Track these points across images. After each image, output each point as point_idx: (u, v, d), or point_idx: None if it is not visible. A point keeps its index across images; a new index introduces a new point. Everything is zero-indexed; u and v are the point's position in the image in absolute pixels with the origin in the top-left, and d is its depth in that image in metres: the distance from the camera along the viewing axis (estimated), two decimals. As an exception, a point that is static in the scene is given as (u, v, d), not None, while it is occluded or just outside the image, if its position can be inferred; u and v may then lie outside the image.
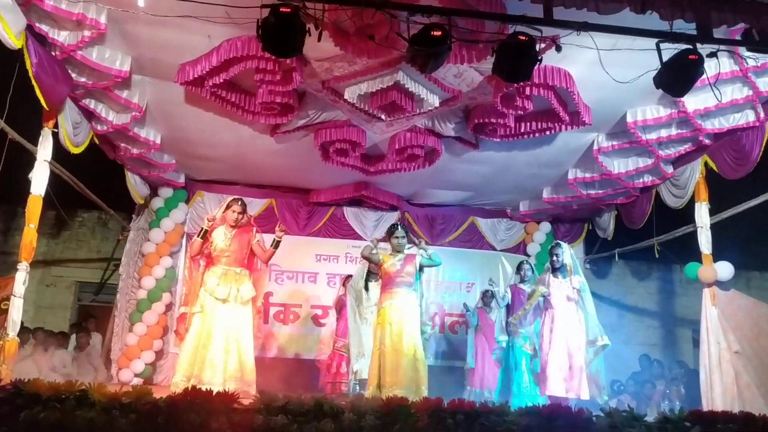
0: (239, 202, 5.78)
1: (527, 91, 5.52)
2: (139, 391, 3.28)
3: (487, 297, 7.67)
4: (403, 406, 3.32)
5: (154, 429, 3.18)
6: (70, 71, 5.46)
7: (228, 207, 5.71)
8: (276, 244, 5.70)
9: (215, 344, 5.30)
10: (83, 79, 5.57)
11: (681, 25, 4.17)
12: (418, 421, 3.27)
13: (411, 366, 5.32)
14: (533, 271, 7.26)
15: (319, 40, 3.87)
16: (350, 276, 7.30)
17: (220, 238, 5.63)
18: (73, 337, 8.17)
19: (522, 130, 6.31)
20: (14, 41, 4.61)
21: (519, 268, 7.35)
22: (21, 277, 5.41)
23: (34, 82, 4.91)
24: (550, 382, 5.76)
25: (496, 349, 7.34)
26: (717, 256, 6.27)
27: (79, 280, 9.85)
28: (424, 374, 5.39)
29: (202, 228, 5.68)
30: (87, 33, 4.99)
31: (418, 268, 5.72)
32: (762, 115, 5.63)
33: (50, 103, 5.28)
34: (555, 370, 5.76)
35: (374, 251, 5.79)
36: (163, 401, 3.23)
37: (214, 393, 3.24)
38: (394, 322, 5.45)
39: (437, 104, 5.81)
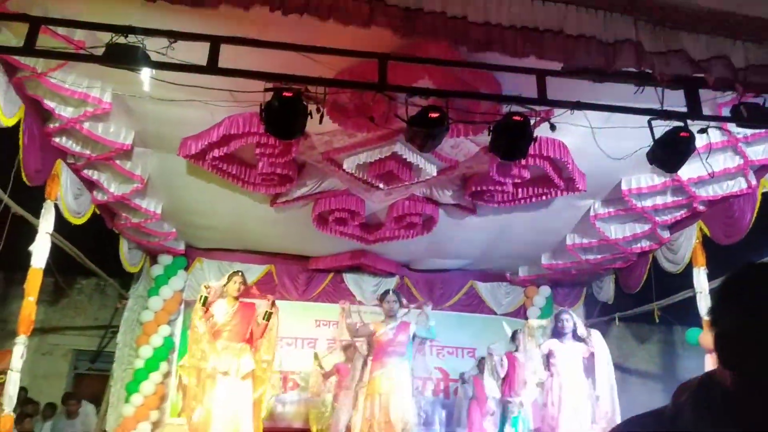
0: (239, 274, 5.80)
1: (523, 161, 5.61)
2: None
3: (483, 364, 7.61)
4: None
5: None
6: (73, 144, 5.56)
7: (229, 279, 5.72)
8: (267, 317, 5.69)
9: (215, 420, 5.23)
10: (87, 152, 5.66)
11: (672, 101, 4.29)
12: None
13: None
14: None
15: (320, 122, 3.97)
16: (351, 345, 7.26)
17: (222, 312, 5.61)
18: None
19: (519, 195, 6.39)
20: (4, 120, 4.62)
21: (514, 337, 7.28)
22: (18, 351, 5.38)
23: (21, 164, 4.98)
24: None
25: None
26: (718, 320, 6.24)
27: (75, 347, 9.77)
28: None
29: (201, 295, 5.68)
30: (91, 109, 5.10)
31: (411, 338, 5.67)
32: (753, 182, 5.72)
33: (32, 180, 5.29)
34: None
35: (357, 326, 5.72)
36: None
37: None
38: (383, 392, 5.37)
39: (435, 174, 5.89)
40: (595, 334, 6.11)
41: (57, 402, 8.27)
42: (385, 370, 5.44)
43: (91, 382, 9.47)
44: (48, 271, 5.95)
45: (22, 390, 6.46)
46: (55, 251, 6.25)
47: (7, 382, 5.32)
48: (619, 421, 5.92)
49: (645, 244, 7.08)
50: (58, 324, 9.65)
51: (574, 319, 6.15)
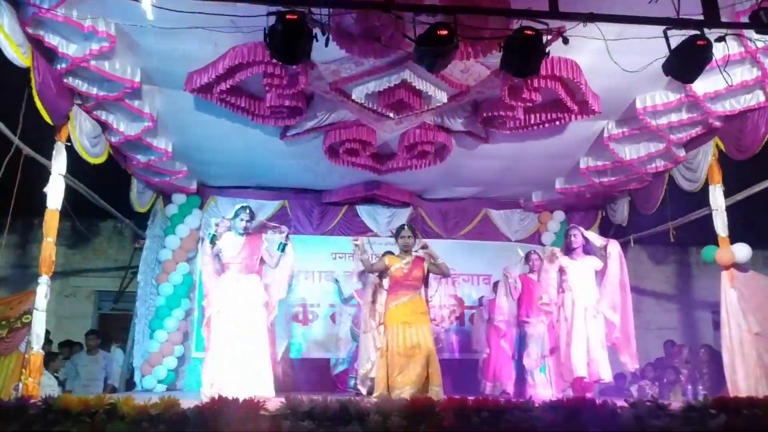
0: (247, 210, 5.77)
1: (535, 83, 5.51)
2: (167, 402, 3.31)
3: (498, 288, 7.70)
4: (428, 405, 3.34)
5: (184, 439, 3.23)
6: (81, 84, 5.55)
7: (236, 215, 5.72)
8: (282, 247, 5.72)
9: (231, 350, 5.34)
10: (95, 91, 5.65)
11: (688, 9, 4.15)
12: (444, 420, 3.28)
13: (422, 365, 5.24)
14: (542, 261, 7.25)
15: (326, 45, 3.89)
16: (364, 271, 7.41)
17: (230, 245, 5.65)
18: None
19: (531, 121, 6.30)
20: (23, 60, 4.78)
21: (527, 258, 7.31)
22: (42, 291, 5.50)
23: (37, 100, 5.02)
24: (573, 365, 5.76)
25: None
26: (733, 237, 6.23)
27: (97, 289, 9.97)
28: (438, 373, 5.28)
29: (210, 233, 5.72)
30: (96, 46, 5.06)
31: (426, 273, 5.68)
32: (771, 94, 5.59)
33: (54, 118, 5.39)
34: (577, 353, 5.75)
35: (372, 260, 5.72)
36: (190, 411, 3.27)
37: (241, 401, 3.28)
38: (401, 322, 5.40)
39: (445, 100, 5.82)
40: (612, 244, 6.09)
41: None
42: (400, 302, 5.49)
43: (115, 321, 9.73)
44: (65, 215, 6.04)
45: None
46: (71, 195, 6.32)
47: (33, 321, 5.46)
48: (633, 332, 6.00)
49: (660, 164, 6.98)
50: (79, 267, 9.82)
51: (582, 233, 6.13)
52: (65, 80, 5.44)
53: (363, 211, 8.94)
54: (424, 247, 5.64)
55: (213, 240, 5.63)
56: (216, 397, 3.30)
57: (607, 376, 5.73)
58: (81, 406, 3.22)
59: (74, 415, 3.19)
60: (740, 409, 3.54)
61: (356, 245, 5.65)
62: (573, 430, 3.30)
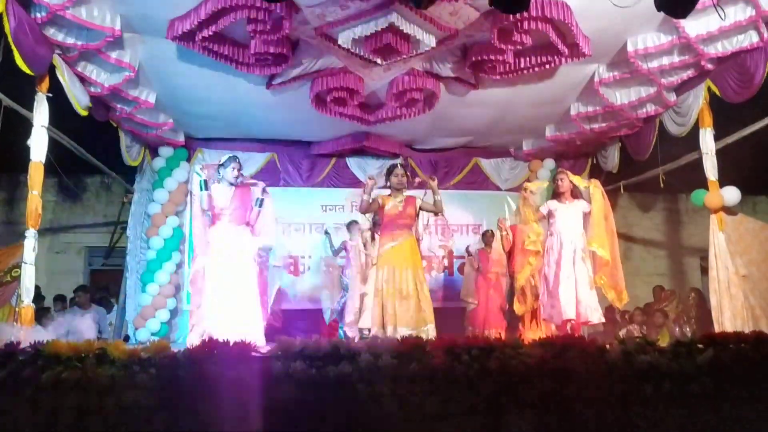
0: (236, 160, 5.72)
1: (524, 25, 5.40)
2: (158, 346, 3.33)
3: (488, 237, 7.73)
4: (419, 344, 3.37)
5: (175, 382, 3.24)
6: (59, 33, 5.40)
7: (225, 165, 5.64)
8: (259, 203, 5.68)
9: (222, 300, 5.35)
10: (73, 40, 5.50)
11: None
12: (434, 359, 3.32)
13: (415, 306, 5.33)
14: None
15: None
16: (354, 221, 7.41)
17: (220, 195, 5.60)
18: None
19: (521, 65, 6.18)
20: None
21: (519, 210, 7.30)
22: (30, 244, 5.45)
23: (13, 47, 4.85)
24: (562, 307, 5.80)
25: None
26: (722, 182, 6.25)
27: (88, 245, 9.92)
28: (430, 313, 5.40)
29: (201, 179, 5.65)
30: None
31: (418, 211, 5.71)
32: (766, 35, 5.50)
33: (32, 66, 5.19)
34: (565, 295, 5.79)
35: (370, 199, 5.68)
36: (181, 354, 3.29)
37: (232, 343, 3.29)
38: (396, 263, 5.45)
39: (434, 44, 5.69)
40: (594, 185, 6.09)
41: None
42: (396, 243, 5.52)
43: (106, 277, 9.71)
44: (52, 171, 5.96)
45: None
46: (57, 150, 6.22)
47: (22, 274, 5.43)
48: (620, 267, 6.03)
49: (650, 109, 6.93)
50: (68, 223, 9.76)
51: (569, 177, 6.12)
52: (45, 31, 5.27)
53: (352, 162, 8.89)
54: (432, 179, 5.77)
55: (205, 186, 5.57)
56: (207, 339, 3.31)
57: (595, 317, 5.78)
58: (70, 352, 3.23)
59: (64, 360, 3.20)
60: (727, 343, 3.59)
61: (370, 181, 5.63)
62: (562, 366, 3.35)
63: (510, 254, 7.31)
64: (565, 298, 5.78)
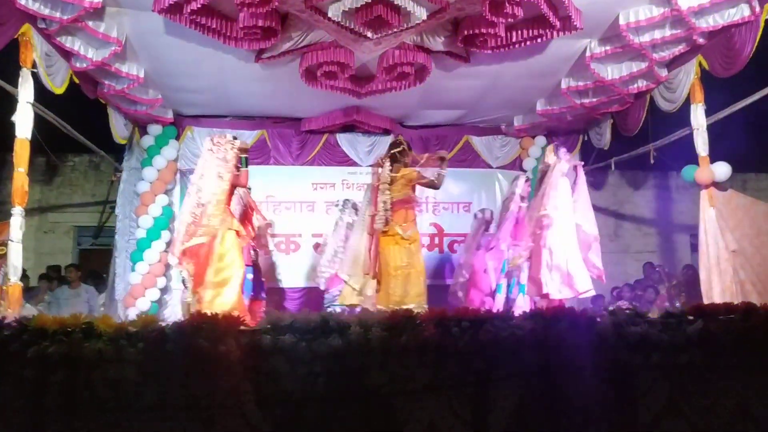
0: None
1: (517, -4, 5.35)
2: (145, 320, 3.30)
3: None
4: (409, 317, 3.35)
5: (163, 356, 3.21)
6: (37, 5, 5.27)
7: (232, 146, 5.45)
8: (245, 162, 5.45)
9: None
10: (49, 11, 5.36)
11: None
12: (425, 331, 3.31)
13: (419, 282, 5.50)
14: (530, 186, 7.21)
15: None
16: (347, 200, 7.38)
17: None
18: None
19: (513, 39, 6.12)
20: None
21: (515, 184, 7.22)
22: (17, 222, 5.40)
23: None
24: (551, 286, 5.83)
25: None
26: (713, 158, 6.25)
27: (76, 224, 9.86)
28: (425, 289, 5.57)
29: (243, 157, 5.38)
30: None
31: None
32: (757, 9, 5.46)
33: None
34: (556, 275, 5.81)
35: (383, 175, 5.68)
36: (169, 328, 3.26)
37: (220, 316, 3.26)
38: (398, 241, 5.54)
39: (425, 17, 5.62)
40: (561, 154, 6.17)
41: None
42: (398, 222, 5.58)
43: (96, 256, 9.66)
44: (39, 149, 5.88)
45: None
46: (44, 129, 6.14)
47: (9, 253, 5.37)
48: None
49: (642, 84, 6.90)
50: (56, 202, 9.68)
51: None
52: (19, 1, 5.13)
53: (343, 139, 8.83)
54: (443, 157, 5.89)
55: (247, 163, 5.44)
56: (194, 313, 3.28)
57: (583, 286, 5.79)
58: (56, 326, 3.19)
59: (50, 334, 3.16)
60: (717, 314, 3.60)
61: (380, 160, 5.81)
62: (553, 337, 3.34)
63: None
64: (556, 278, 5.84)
